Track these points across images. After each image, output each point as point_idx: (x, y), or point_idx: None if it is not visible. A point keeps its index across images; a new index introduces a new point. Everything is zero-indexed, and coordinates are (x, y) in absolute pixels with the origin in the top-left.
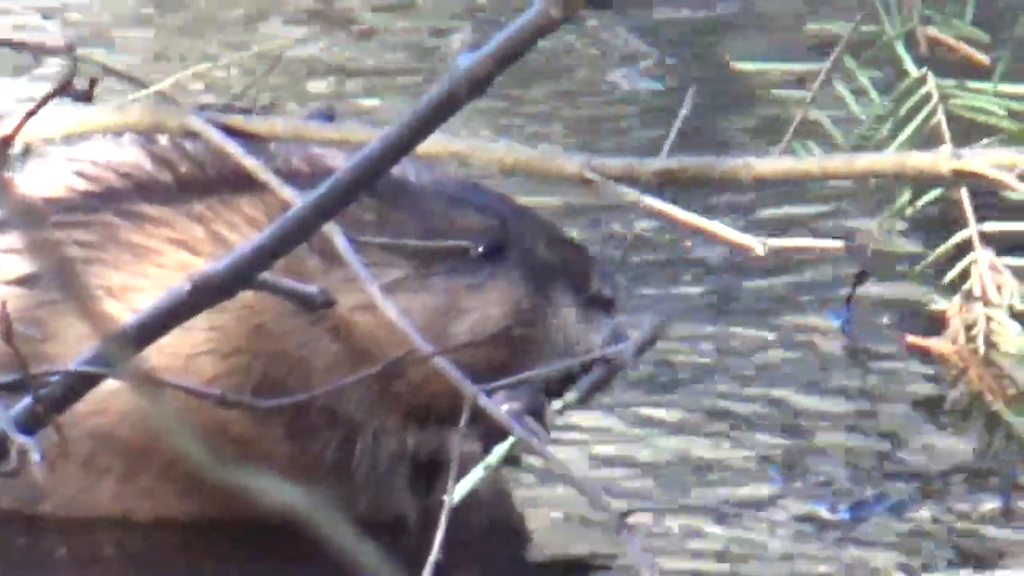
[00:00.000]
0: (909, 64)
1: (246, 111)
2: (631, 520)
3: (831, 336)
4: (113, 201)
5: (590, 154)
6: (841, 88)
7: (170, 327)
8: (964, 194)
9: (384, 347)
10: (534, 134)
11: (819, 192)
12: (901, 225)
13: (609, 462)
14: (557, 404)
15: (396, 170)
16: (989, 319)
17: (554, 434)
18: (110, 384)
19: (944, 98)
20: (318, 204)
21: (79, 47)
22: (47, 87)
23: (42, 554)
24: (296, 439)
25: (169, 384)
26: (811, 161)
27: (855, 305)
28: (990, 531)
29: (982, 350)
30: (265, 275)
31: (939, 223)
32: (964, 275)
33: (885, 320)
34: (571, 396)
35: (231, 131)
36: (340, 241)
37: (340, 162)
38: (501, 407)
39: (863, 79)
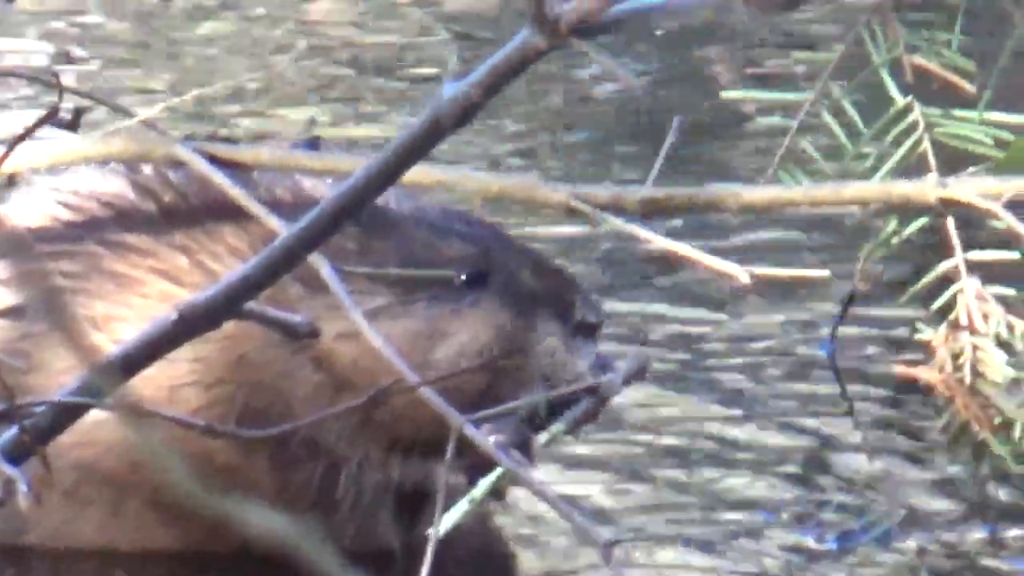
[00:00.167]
0: (895, 92)
1: (231, 140)
2: (618, 550)
3: (816, 366)
4: (97, 231)
5: (575, 183)
6: (827, 116)
7: (156, 357)
8: (950, 223)
9: (367, 376)
10: (516, 153)
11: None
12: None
13: (597, 492)
14: (544, 436)
15: (377, 198)
16: (976, 348)
17: (540, 464)
18: (95, 415)
19: (930, 126)
20: (304, 234)
21: (64, 75)
22: (32, 116)
23: None
24: (280, 470)
25: (154, 414)
26: (798, 190)
27: (839, 336)
28: (978, 561)
29: (968, 379)
30: (251, 304)
31: (925, 251)
32: (951, 304)
33: (871, 349)
34: (558, 428)
35: (216, 160)
36: (326, 270)
37: (322, 190)
38: (487, 439)
39: (849, 107)
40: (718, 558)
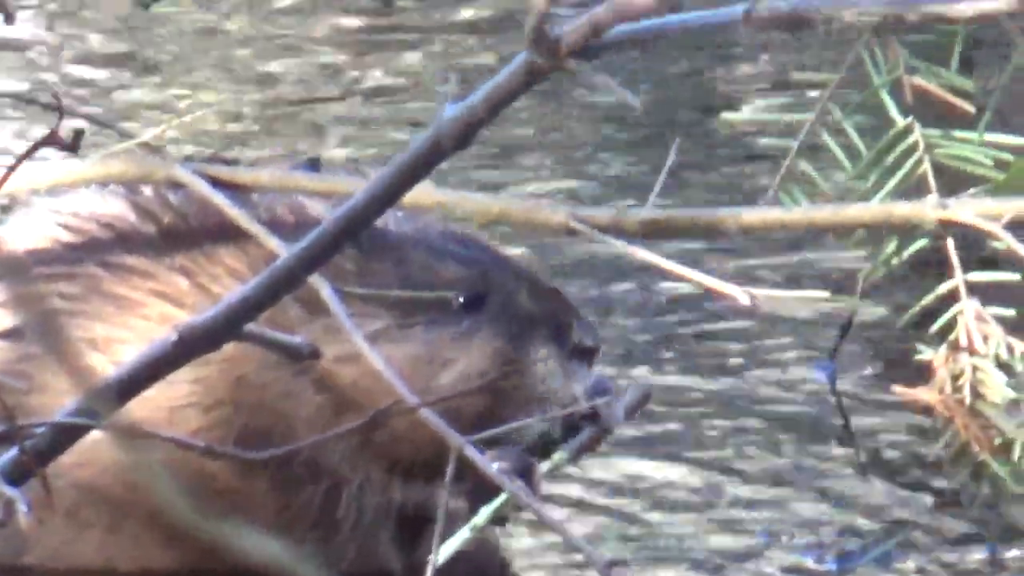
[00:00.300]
0: (895, 113)
1: (231, 162)
2: (617, 571)
3: (817, 386)
4: (97, 253)
5: (575, 204)
6: (827, 138)
7: (156, 378)
8: (950, 244)
9: (367, 398)
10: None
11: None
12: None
13: (597, 513)
14: (546, 465)
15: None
16: (975, 369)
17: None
18: (94, 436)
19: (930, 148)
20: (304, 255)
21: (65, 98)
22: (33, 138)
23: None
24: (280, 491)
25: (154, 435)
26: (798, 212)
27: (840, 357)
28: None
29: (968, 400)
30: (251, 326)
31: (925, 272)
32: (950, 325)
33: (870, 370)
34: (560, 456)
35: (217, 182)
36: (326, 292)
37: (322, 210)
38: (491, 466)
39: (849, 129)
40: None
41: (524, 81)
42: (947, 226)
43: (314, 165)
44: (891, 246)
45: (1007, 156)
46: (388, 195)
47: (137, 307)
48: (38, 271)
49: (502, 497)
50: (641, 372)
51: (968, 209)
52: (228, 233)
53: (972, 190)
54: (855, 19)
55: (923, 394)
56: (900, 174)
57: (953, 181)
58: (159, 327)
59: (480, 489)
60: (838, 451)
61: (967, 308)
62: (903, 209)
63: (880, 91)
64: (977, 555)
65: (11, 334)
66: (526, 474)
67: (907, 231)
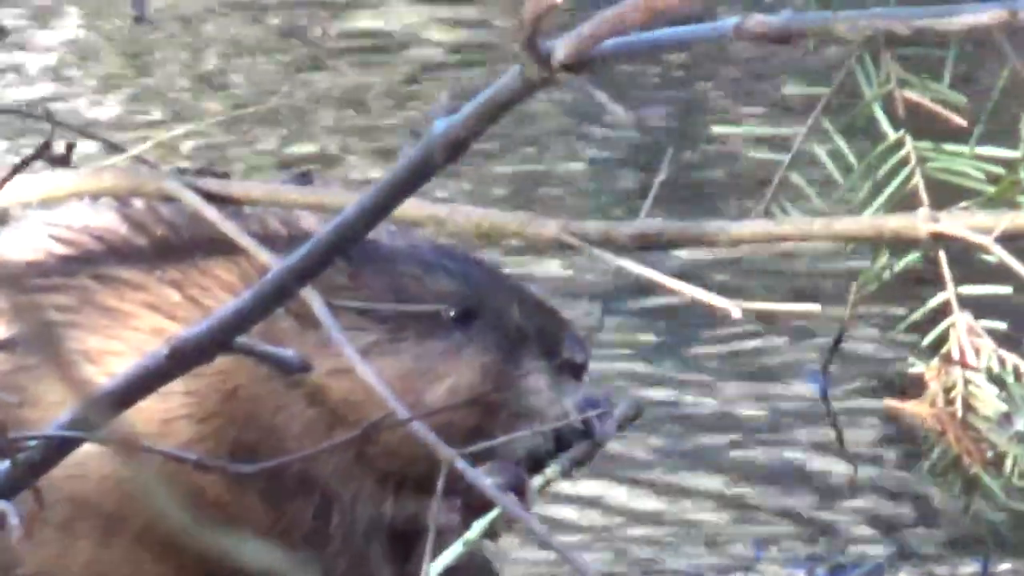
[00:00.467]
0: (886, 126)
1: (222, 175)
2: None
3: (807, 398)
4: (89, 265)
5: (568, 217)
6: (819, 150)
7: (148, 391)
8: (942, 257)
9: (358, 411)
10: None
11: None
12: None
13: (590, 528)
14: (538, 479)
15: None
16: (967, 382)
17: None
18: (86, 448)
19: (922, 161)
20: (295, 268)
21: (56, 110)
22: (24, 152)
23: None
24: (272, 504)
25: (147, 448)
26: (789, 224)
27: (831, 369)
28: None
29: (960, 413)
30: (243, 339)
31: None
32: (942, 338)
33: (861, 383)
34: (553, 471)
35: (208, 195)
36: (318, 305)
37: (315, 223)
38: (483, 480)
39: (840, 142)
40: None
41: (516, 94)
42: (938, 239)
43: (305, 178)
44: (881, 259)
45: (999, 170)
46: (380, 208)
47: (129, 319)
48: (31, 283)
49: (494, 512)
50: (630, 385)
51: (960, 222)
52: (220, 246)
53: (964, 203)
54: (846, 33)
55: (915, 407)
56: (892, 187)
57: (944, 194)
58: (151, 339)
59: (473, 503)
60: (830, 463)
61: (959, 321)
62: (895, 222)
63: (872, 104)
64: (969, 568)
65: (5, 345)
66: (518, 488)
67: (898, 244)
